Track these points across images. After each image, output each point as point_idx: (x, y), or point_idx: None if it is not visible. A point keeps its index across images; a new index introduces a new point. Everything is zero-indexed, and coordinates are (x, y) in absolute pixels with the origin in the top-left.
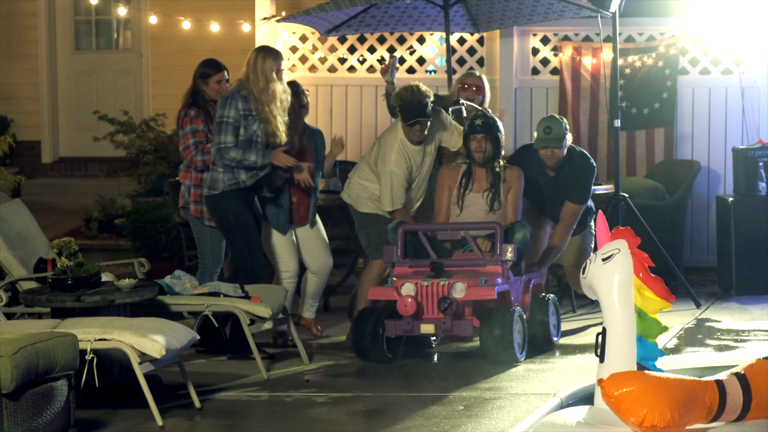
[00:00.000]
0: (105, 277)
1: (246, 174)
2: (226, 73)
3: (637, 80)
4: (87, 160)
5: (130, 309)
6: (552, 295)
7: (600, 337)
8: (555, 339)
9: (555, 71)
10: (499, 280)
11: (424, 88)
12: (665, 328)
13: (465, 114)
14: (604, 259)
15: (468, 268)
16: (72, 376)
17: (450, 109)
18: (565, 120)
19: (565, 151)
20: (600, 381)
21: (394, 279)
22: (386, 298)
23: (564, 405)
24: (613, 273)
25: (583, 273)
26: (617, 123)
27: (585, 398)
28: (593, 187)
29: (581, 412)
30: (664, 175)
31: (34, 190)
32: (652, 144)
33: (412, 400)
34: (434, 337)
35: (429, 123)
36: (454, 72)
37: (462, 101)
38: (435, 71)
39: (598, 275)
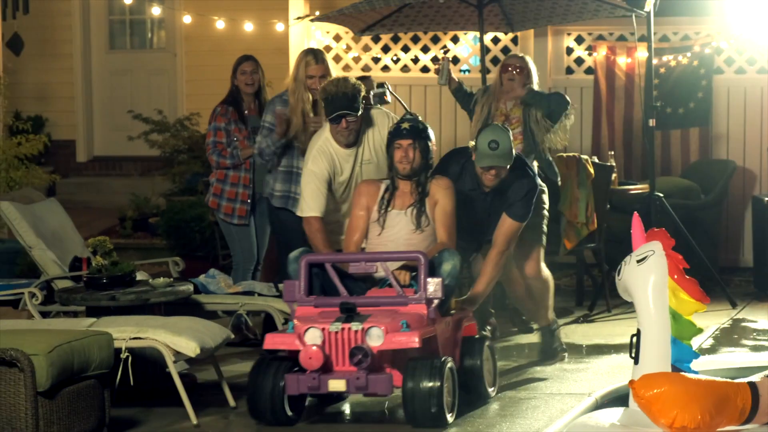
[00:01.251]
0: (139, 276)
1: (278, 182)
2: (254, 64)
3: (672, 80)
4: (121, 159)
5: (165, 308)
6: (488, 336)
7: (634, 339)
8: (491, 390)
9: (589, 71)
10: (424, 324)
11: (353, 80)
12: (700, 330)
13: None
14: (638, 261)
15: (386, 309)
16: (107, 374)
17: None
18: (510, 130)
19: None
20: (631, 382)
21: (296, 323)
22: (286, 347)
23: (599, 405)
24: (647, 275)
25: (618, 275)
26: (652, 122)
27: (620, 398)
28: (627, 187)
29: (615, 413)
30: (699, 174)
31: (69, 189)
32: (687, 143)
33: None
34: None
35: (358, 121)
36: (488, 72)
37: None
38: (469, 71)
39: (633, 277)
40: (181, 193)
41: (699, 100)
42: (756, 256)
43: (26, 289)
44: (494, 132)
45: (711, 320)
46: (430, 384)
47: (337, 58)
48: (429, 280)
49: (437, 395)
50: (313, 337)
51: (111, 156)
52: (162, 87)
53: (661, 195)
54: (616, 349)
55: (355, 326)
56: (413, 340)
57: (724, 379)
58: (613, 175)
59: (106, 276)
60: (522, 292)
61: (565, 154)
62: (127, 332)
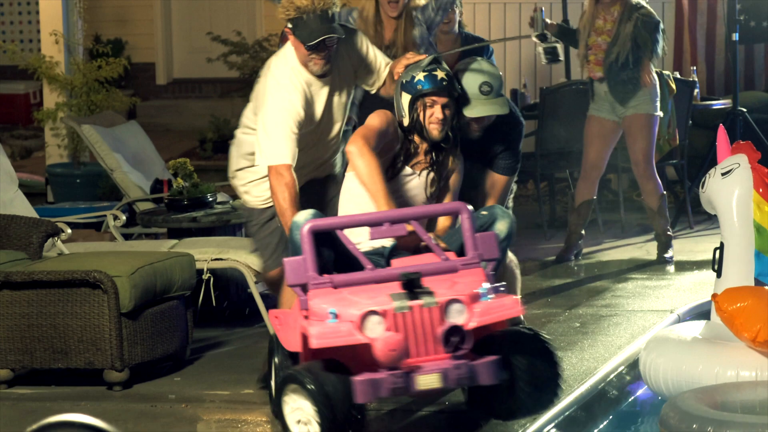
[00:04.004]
0: (220, 197)
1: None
2: None
3: None
4: (200, 82)
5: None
6: None
7: (718, 252)
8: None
9: None
10: (492, 289)
11: None
12: None
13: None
14: (723, 174)
15: (438, 279)
16: (189, 295)
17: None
18: (496, 66)
19: None
20: (714, 296)
21: (336, 310)
22: (348, 342)
23: (681, 321)
24: (732, 187)
25: (702, 187)
26: (735, 36)
27: (702, 315)
28: (710, 102)
29: (696, 326)
30: None
31: (149, 111)
32: None
33: (527, 317)
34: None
35: (336, 47)
36: None
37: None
38: None
39: (717, 190)
40: None
41: None
42: None
43: (108, 211)
44: (482, 70)
45: None
46: (546, 361)
47: None
48: (478, 235)
49: (555, 373)
50: (374, 324)
51: (190, 78)
52: (240, 8)
53: (745, 110)
54: (698, 265)
55: (428, 302)
56: (516, 308)
57: None
58: (696, 91)
59: (187, 198)
60: None
61: None
62: (208, 253)
